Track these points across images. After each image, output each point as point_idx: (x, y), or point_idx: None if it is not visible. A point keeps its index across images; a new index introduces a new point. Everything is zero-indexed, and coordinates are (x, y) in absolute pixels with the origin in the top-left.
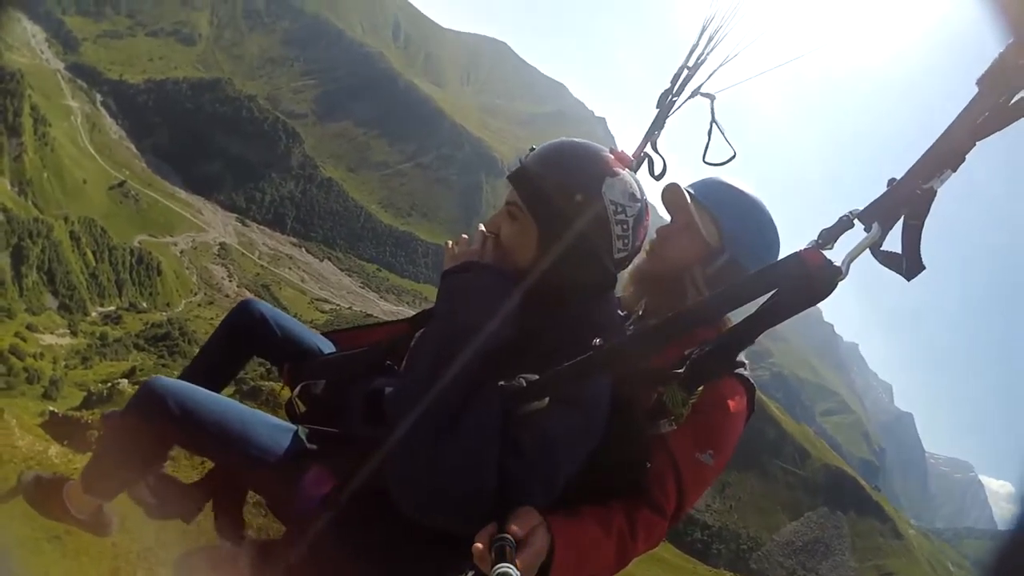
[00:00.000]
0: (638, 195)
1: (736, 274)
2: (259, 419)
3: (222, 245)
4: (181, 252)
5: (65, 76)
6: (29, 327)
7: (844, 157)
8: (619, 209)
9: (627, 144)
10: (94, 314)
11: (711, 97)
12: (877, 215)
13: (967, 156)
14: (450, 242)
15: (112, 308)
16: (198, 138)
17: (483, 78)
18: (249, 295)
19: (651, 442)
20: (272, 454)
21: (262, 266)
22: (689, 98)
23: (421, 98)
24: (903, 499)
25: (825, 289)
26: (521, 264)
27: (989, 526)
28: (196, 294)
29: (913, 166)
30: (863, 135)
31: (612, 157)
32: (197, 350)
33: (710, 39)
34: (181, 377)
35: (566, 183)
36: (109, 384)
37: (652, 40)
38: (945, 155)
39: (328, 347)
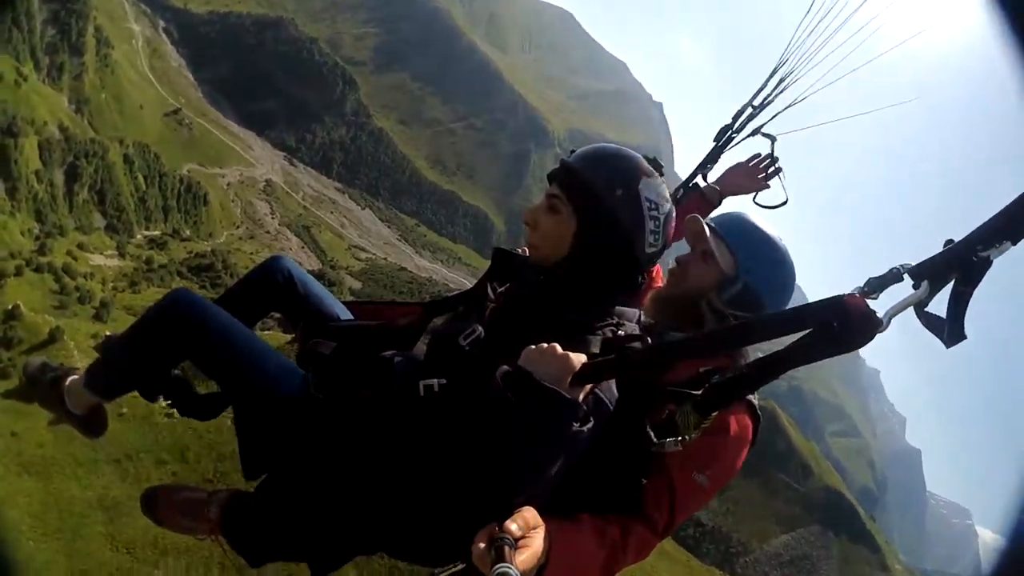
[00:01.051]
0: (667, 197)
1: (751, 302)
2: (273, 354)
3: (268, 182)
4: (228, 184)
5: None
6: (80, 246)
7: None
8: (652, 206)
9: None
10: (140, 237)
11: (772, 139)
12: (928, 274)
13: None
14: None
15: (157, 233)
16: (256, 74)
17: (545, 46)
18: (290, 234)
19: (652, 458)
20: (277, 390)
21: (305, 207)
22: (749, 136)
23: (481, 60)
24: (896, 533)
25: (863, 339)
26: (556, 255)
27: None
28: (238, 227)
29: (974, 231)
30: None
31: (646, 163)
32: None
33: (780, 80)
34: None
35: (608, 177)
36: None
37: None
38: (1008, 226)
39: (345, 314)
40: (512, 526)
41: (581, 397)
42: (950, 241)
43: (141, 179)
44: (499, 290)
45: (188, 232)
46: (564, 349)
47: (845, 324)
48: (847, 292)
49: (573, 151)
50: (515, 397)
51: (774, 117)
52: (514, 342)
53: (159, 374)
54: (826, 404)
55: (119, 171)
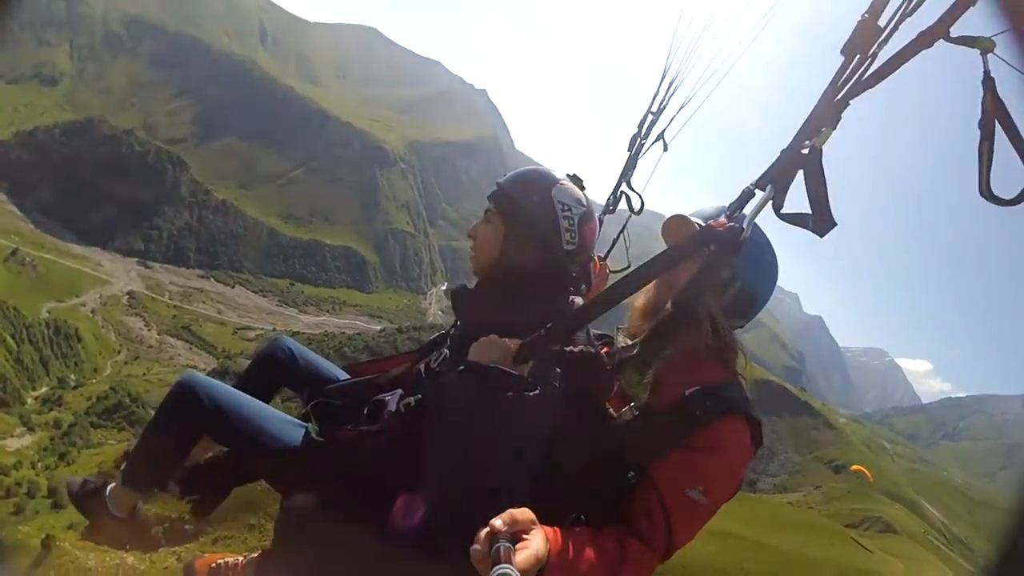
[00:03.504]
0: (583, 201)
1: (746, 303)
2: (276, 415)
3: (130, 294)
4: (92, 311)
5: None
6: None
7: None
8: (565, 207)
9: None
10: (30, 400)
11: (664, 148)
12: (770, 179)
13: (842, 115)
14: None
15: (44, 389)
16: (81, 185)
17: (358, 69)
18: (172, 340)
19: (625, 441)
20: (284, 443)
21: (175, 306)
22: (655, 142)
23: (301, 101)
24: (828, 394)
25: (734, 247)
26: (492, 255)
27: (913, 402)
28: (119, 352)
29: (798, 131)
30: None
31: (564, 177)
32: (152, 412)
33: (670, 85)
34: None
35: (525, 188)
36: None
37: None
38: (822, 116)
39: (344, 376)
40: (498, 522)
41: (525, 372)
42: (784, 149)
43: (10, 340)
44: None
45: (74, 377)
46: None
47: (717, 243)
48: (713, 220)
49: (504, 174)
50: (468, 380)
51: (671, 121)
52: (467, 350)
53: (183, 453)
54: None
55: None
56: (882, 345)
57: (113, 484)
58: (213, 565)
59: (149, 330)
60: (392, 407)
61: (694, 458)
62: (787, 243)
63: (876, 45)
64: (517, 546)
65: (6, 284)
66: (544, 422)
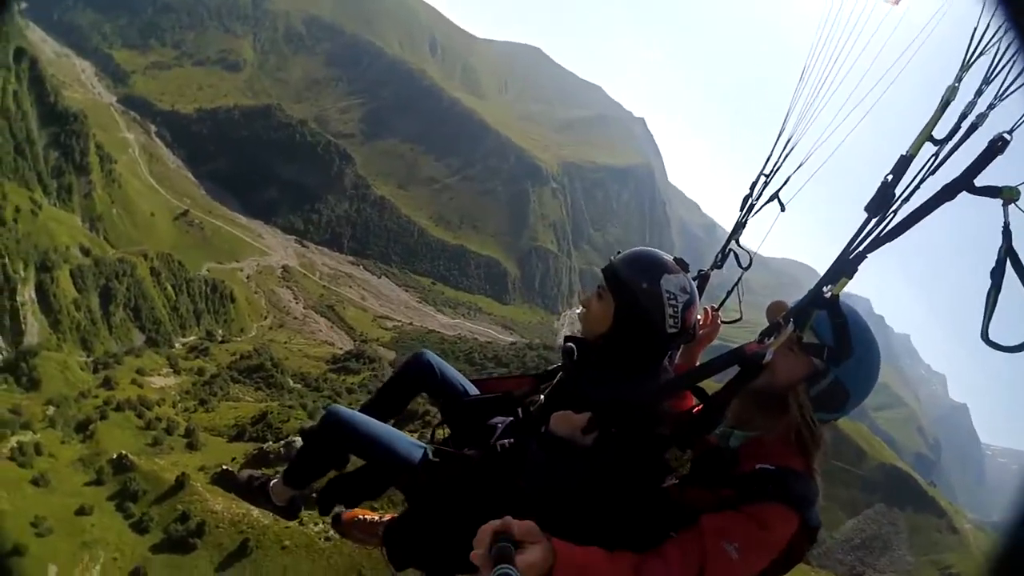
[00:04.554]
0: (688, 289)
1: (839, 396)
2: (401, 437)
3: (285, 267)
4: (248, 277)
5: (118, 109)
6: (139, 371)
7: None
8: (671, 296)
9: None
10: (178, 345)
11: (781, 207)
12: (792, 316)
13: (859, 267)
14: None
15: (193, 338)
16: (254, 164)
17: (520, 85)
18: (316, 315)
19: (681, 512)
20: (408, 460)
21: (324, 286)
22: (767, 203)
23: (464, 111)
24: (959, 492)
25: (756, 369)
26: (601, 329)
27: None
28: (266, 318)
29: (819, 279)
30: None
31: (672, 262)
32: (288, 379)
33: (784, 146)
34: (364, 406)
35: (638, 275)
36: (282, 443)
37: (681, 46)
38: (841, 268)
39: (474, 391)
40: (512, 529)
41: (590, 440)
42: (810, 290)
43: (170, 289)
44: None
45: (221, 332)
46: (579, 411)
47: (745, 363)
48: (746, 343)
49: (619, 252)
50: (544, 447)
51: (786, 183)
52: (557, 406)
53: (332, 468)
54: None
55: (149, 285)
56: None
57: (275, 480)
58: (357, 518)
59: (297, 303)
60: (496, 435)
61: (742, 521)
62: (939, 323)
63: (898, 204)
64: (517, 551)
65: (174, 240)
66: (598, 481)
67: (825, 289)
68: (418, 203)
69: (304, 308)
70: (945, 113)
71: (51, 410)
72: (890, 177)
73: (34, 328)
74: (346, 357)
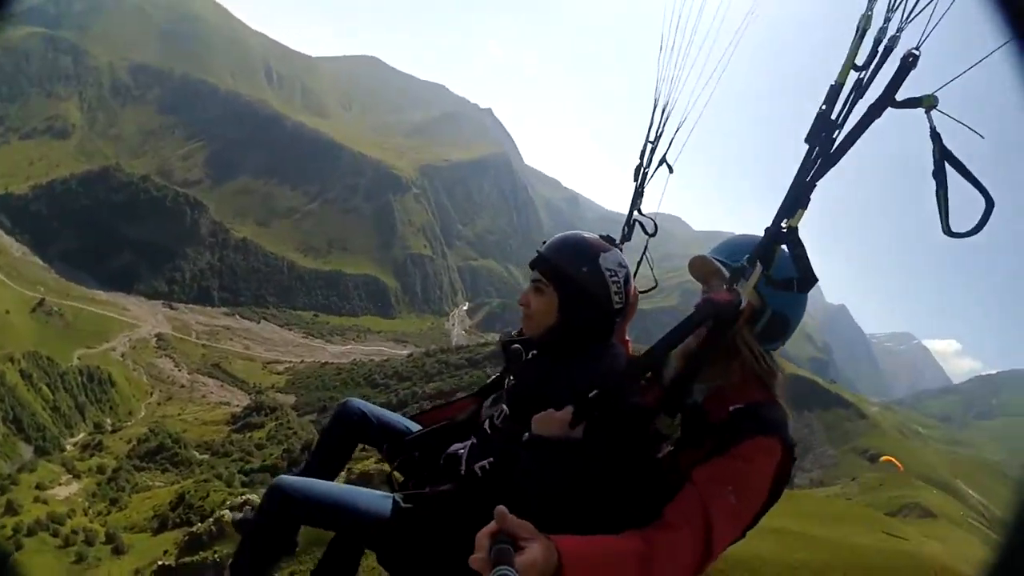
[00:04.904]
0: (623, 263)
1: (781, 327)
2: (364, 493)
3: (158, 336)
4: (122, 355)
5: None
6: (38, 486)
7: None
8: (612, 273)
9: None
10: (69, 447)
11: (670, 169)
12: (758, 256)
13: (811, 196)
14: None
15: (83, 435)
16: (101, 233)
17: (363, 98)
18: (203, 378)
19: (662, 469)
20: (377, 516)
21: (203, 345)
22: (657, 168)
23: (311, 134)
24: (858, 383)
25: (733, 317)
26: (549, 322)
27: (944, 383)
28: (152, 394)
29: (776, 213)
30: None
31: (601, 240)
32: (193, 452)
33: (663, 111)
34: (302, 472)
35: (576, 261)
36: (211, 520)
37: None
38: (795, 200)
39: (415, 427)
40: (512, 530)
41: (579, 432)
42: (767, 228)
43: (45, 388)
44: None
45: (110, 421)
46: (557, 408)
47: (720, 314)
48: (713, 293)
49: (544, 242)
50: (535, 453)
51: (670, 146)
52: (527, 410)
53: (288, 550)
54: (797, 336)
55: (23, 390)
56: (908, 328)
57: None
58: None
59: (180, 370)
60: (464, 464)
61: (730, 464)
62: (808, 237)
63: (836, 132)
64: (516, 552)
65: (36, 334)
66: (599, 470)
67: (784, 223)
68: (282, 237)
69: (189, 374)
70: (865, 41)
71: None
72: (824, 107)
73: None
74: (246, 413)
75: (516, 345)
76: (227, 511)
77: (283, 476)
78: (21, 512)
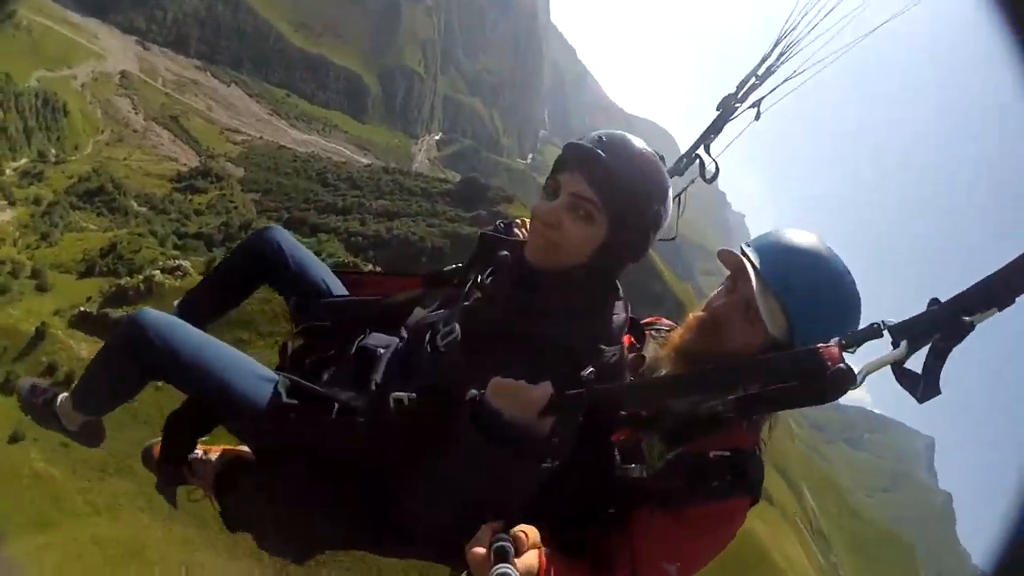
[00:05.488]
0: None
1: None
2: (242, 365)
3: (123, 73)
4: (82, 86)
5: None
6: None
7: None
8: (667, 215)
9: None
10: (9, 172)
11: (757, 115)
12: (909, 333)
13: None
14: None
15: (24, 161)
16: None
17: None
18: (158, 128)
19: (620, 485)
20: (249, 404)
21: (167, 94)
22: (750, 107)
23: None
24: None
25: (835, 393)
26: (571, 261)
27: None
28: (103, 132)
29: (961, 295)
30: None
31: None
32: (132, 202)
33: (781, 53)
34: (189, 294)
35: (651, 190)
36: (141, 278)
37: None
38: (997, 293)
39: (337, 287)
40: (514, 530)
41: (547, 426)
42: (935, 301)
43: None
44: (481, 280)
45: (55, 152)
46: (538, 370)
47: (819, 377)
48: (825, 344)
49: (601, 138)
50: (483, 434)
51: (775, 88)
52: (490, 352)
53: (131, 394)
54: (692, 245)
55: None
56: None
57: (63, 397)
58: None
59: (136, 114)
60: (379, 377)
61: (685, 534)
62: (778, 215)
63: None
64: (516, 554)
65: None
66: (548, 480)
67: (967, 318)
68: (278, 5)
69: (145, 120)
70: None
71: None
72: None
73: None
74: (192, 175)
75: (505, 253)
76: (158, 271)
77: (148, 310)
78: None
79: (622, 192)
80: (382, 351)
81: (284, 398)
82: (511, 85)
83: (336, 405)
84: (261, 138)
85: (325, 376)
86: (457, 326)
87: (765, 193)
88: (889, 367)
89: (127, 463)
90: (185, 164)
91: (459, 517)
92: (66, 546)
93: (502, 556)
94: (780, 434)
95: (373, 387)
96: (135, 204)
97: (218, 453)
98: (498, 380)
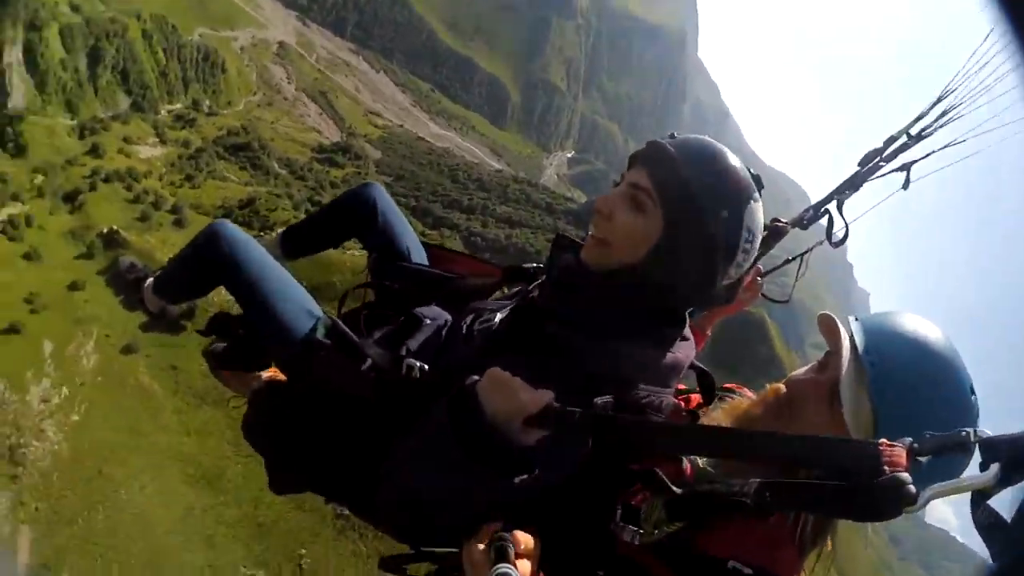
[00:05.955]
0: (763, 228)
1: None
2: (292, 294)
3: (281, 44)
4: (241, 48)
5: None
6: (126, 139)
7: None
8: (750, 237)
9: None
10: (164, 113)
11: (906, 181)
12: (1008, 456)
13: None
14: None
15: (179, 106)
16: None
17: None
18: (307, 99)
19: (609, 544)
20: (285, 330)
21: (319, 70)
22: (899, 170)
23: None
24: None
25: (883, 506)
26: (623, 259)
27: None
28: (256, 94)
29: None
30: None
31: (752, 179)
32: (274, 162)
33: (943, 113)
34: (294, 225)
35: (717, 190)
36: (272, 235)
37: None
38: None
39: (419, 254)
40: (516, 531)
41: (532, 439)
42: None
43: (161, 53)
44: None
45: (208, 103)
46: (546, 377)
47: (868, 481)
48: (892, 442)
49: (673, 135)
50: (453, 423)
51: (929, 154)
52: (511, 347)
53: (200, 292)
54: (810, 315)
55: (140, 48)
56: None
57: (151, 281)
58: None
59: (289, 83)
60: (416, 340)
61: None
62: (907, 301)
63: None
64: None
65: (168, 1)
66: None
67: None
68: (434, 3)
69: (296, 90)
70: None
71: (39, 179)
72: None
73: (20, 90)
74: (332, 148)
75: (568, 255)
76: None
77: (228, 222)
78: (103, 158)
79: (682, 188)
80: (428, 322)
81: (318, 335)
82: (651, 113)
83: (361, 357)
84: (401, 126)
85: (376, 334)
86: (498, 316)
87: (898, 275)
88: (969, 495)
89: (225, 397)
90: (327, 138)
91: (403, 502)
92: (151, 456)
93: (502, 556)
94: (851, 535)
95: (403, 351)
96: (276, 165)
97: (271, 374)
98: (496, 370)
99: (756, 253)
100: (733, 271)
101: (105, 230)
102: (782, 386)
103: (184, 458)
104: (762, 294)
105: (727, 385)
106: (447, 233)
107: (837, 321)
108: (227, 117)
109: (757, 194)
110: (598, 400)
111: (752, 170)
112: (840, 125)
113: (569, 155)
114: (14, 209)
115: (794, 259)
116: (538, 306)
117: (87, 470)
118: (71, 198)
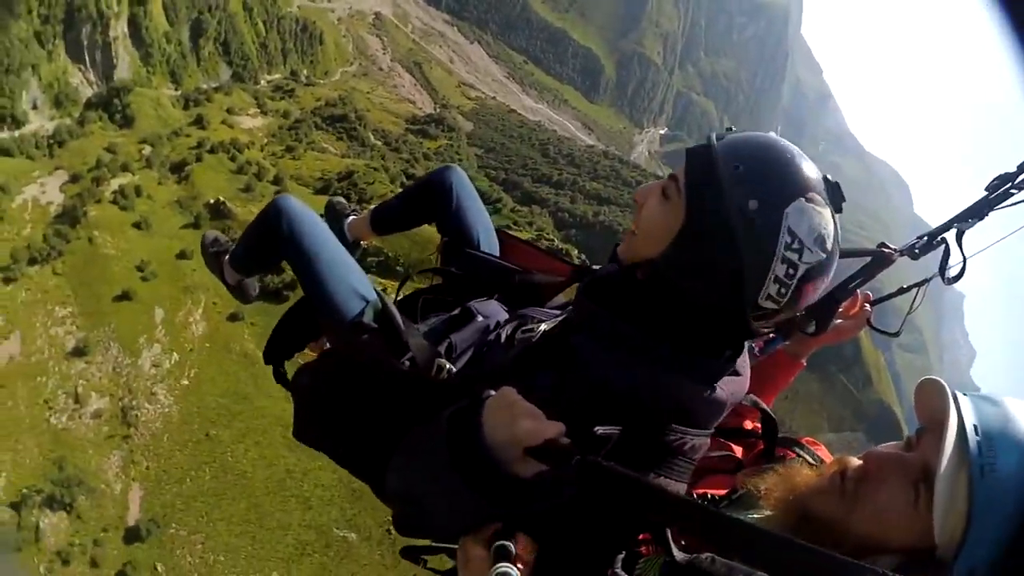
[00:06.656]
0: (827, 242)
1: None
2: (347, 274)
3: (377, 15)
4: (338, 19)
5: None
6: (229, 110)
7: None
8: (794, 244)
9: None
10: (263, 83)
11: None
12: None
13: None
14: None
15: (278, 76)
16: None
17: None
18: (401, 70)
19: None
20: (335, 308)
21: (414, 41)
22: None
23: None
24: None
25: None
26: (647, 252)
27: None
28: (352, 64)
29: None
30: None
31: (819, 181)
32: (369, 133)
33: None
34: (383, 203)
35: (747, 179)
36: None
37: None
38: None
39: (490, 243)
40: (497, 526)
41: (528, 472)
42: None
43: (261, 25)
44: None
45: (306, 73)
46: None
47: None
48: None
49: (730, 128)
50: (448, 442)
51: None
52: (540, 363)
53: (264, 267)
54: (900, 313)
55: (240, 20)
56: None
57: (228, 255)
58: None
59: (384, 54)
60: (461, 335)
61: None
62: (1002, 307)
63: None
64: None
65: None
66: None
67: None
68: None
69: (391, 60)
70: None
71: (147, 149)
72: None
73: (125, 62)
74: (426, 120)
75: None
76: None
77: (292, 197)
78: (208, 129)
79: (707, 170)
80: (480, 319)
81: (365, 318)
82: (748, 92)
83: (402, 346)
84: (494, 98)
85: (432, 318)
86: (543, 327)
87: (996, 281)
88: None
89: None
90: (421, 109)
91: (403, 496)
92: (254, 420)
93: (503, 556)
94: None
95: (445, 347)
96: (372, 137)
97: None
98: (508, 390)
99: (809, 272)
100: (773, 287)
101: (211, 200)
102: (855, 459)
103: (285, 423)
104: (870, 323)
105: (801, 439)
106: (536, 209)
107: (948, 397)
108: (324, 87)
109: (821, 199)
110: (599, 429)
111: (830, 177)
112: (956, 126)
113: (662, 132)
114: (124, 179)
115: (907, 290)
116: (571, 319)
117: (195, 433)
118: (178, 168)
